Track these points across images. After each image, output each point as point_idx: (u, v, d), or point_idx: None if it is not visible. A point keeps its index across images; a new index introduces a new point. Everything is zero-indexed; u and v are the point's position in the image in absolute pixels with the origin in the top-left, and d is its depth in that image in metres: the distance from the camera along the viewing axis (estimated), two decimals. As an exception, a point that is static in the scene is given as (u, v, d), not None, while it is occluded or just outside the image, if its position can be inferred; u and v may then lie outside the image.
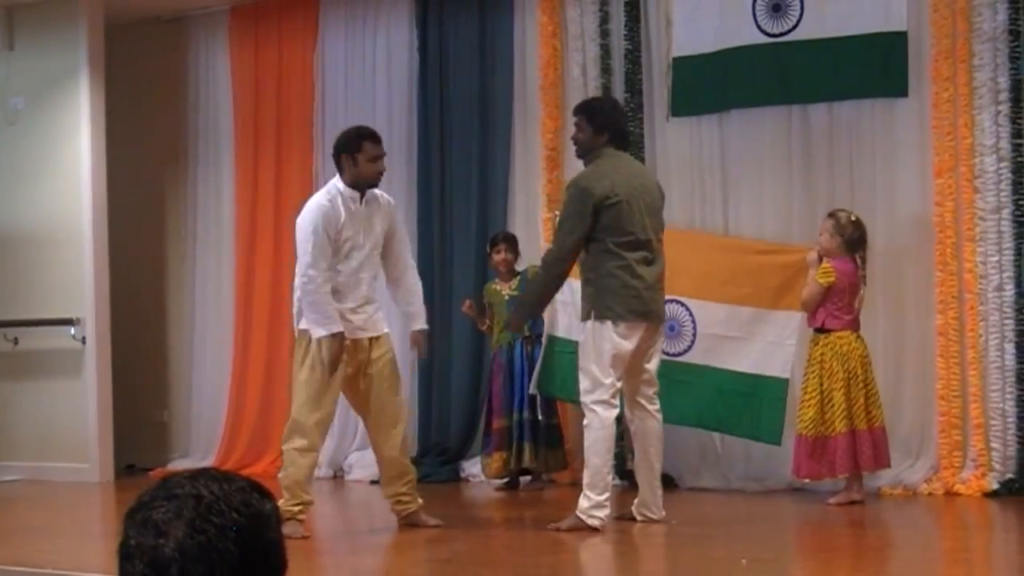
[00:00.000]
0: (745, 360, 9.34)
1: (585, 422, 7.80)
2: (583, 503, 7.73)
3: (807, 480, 8.99)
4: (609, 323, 7.69)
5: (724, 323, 9.46)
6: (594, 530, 7.65)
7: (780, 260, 9.36)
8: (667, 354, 9.24)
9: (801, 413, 8.79)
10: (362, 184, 8.03)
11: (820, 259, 8.89)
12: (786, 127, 9.97)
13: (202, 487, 2.16)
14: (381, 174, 8.17)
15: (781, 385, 9.12)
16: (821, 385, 8.73)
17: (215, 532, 2.11)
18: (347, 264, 7.96)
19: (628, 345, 7.73)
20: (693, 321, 9.51)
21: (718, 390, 9.41)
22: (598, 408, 7.68)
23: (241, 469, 10.40)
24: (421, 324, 8.38)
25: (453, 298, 10.97)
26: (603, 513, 7.74)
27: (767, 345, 9.30)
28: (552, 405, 10.19)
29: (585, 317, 7.85)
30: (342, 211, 7.91)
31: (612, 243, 7.71)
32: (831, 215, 8.97)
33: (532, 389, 10.08)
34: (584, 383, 7.76)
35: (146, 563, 2.10)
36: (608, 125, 7.99)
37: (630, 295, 7.71)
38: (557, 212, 8.56)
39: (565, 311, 9.66)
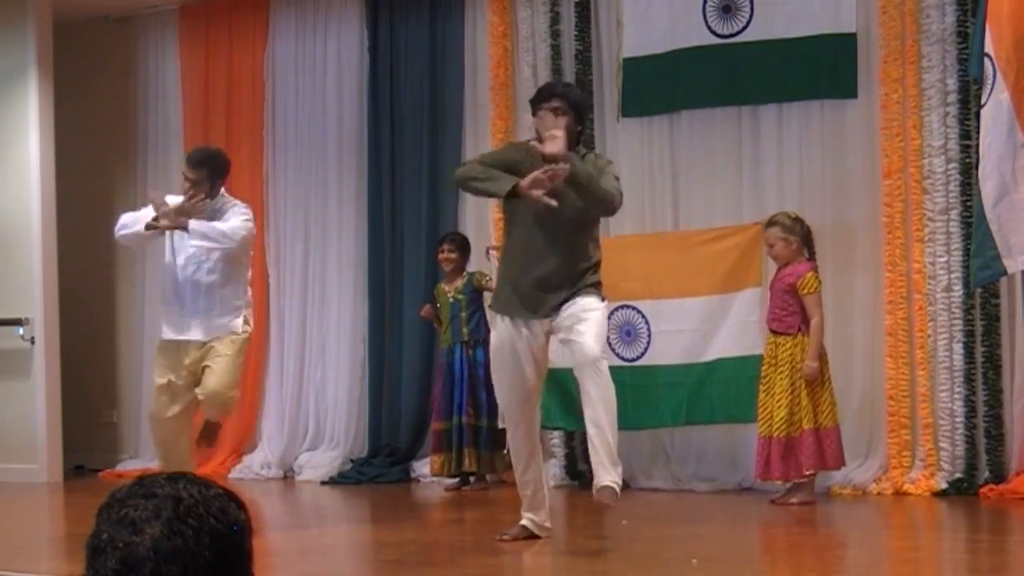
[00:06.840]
0: (713, 348, 9.38)
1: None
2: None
3: (778, 481, 8.96)
4: None
5: (681, 318, 9.50)
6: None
7: (729, 243, 9.37)
8: (623, 359, 9.29)
9: (773, 414, 8.77)
10: None
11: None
12: (736, 128, 10.00)
13: (182, 489, 2.16)
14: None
15: (755, 361, 9.11)
16: (792, 386, 8.75)
17: (192, 535, 2.11)
18: None
19: None
20: (647, 323, 9.54)
21: (682, 385, 9.43)
22: None
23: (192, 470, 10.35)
24: None
25: (404, 297, 10.95)
26: None
27: (732, 327, 9.36)
28: (494, 408, 10.14)
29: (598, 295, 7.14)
30: None
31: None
32: (770, 223, 8.96)
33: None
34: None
35: (118, 559, 2.09)
36: None
37: None
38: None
39: None
